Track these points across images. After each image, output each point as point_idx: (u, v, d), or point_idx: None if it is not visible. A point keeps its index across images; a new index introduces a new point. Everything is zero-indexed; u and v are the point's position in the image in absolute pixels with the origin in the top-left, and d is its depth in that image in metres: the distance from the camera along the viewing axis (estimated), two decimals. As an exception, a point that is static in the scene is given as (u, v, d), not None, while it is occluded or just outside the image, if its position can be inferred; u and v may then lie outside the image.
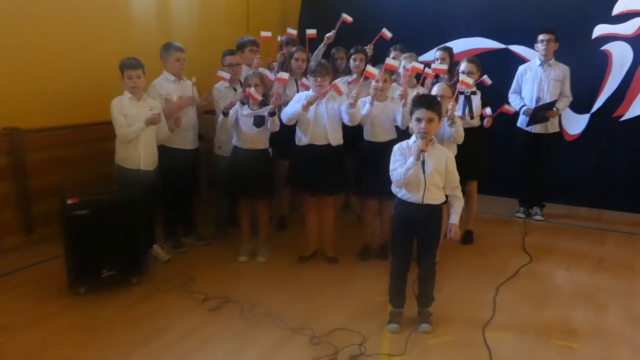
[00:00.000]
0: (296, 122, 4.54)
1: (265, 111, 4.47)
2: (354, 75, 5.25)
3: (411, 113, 3.52)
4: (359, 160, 4.73)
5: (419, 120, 3.44)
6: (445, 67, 4.72)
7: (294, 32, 5.76)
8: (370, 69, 4.31)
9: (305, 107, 4.36)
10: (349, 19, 5.81)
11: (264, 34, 5.46)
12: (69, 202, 4.01)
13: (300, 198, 5.10)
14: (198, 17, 6.61)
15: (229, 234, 5.32)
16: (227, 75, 4.84)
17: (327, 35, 5.85)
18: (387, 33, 5.76)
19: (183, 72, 4.86)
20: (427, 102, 3.49)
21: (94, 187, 4.34)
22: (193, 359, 3.33)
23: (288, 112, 4.48)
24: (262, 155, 4.65)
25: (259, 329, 3.67)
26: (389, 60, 4.49)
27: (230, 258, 4.84)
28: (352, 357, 3.33)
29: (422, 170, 3.37)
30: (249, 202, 4.81)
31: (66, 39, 5.08)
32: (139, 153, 4.44)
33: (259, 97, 4.43)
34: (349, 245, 5.03)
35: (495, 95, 5.38)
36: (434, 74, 4.59)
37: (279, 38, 5.70)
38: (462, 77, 4.48)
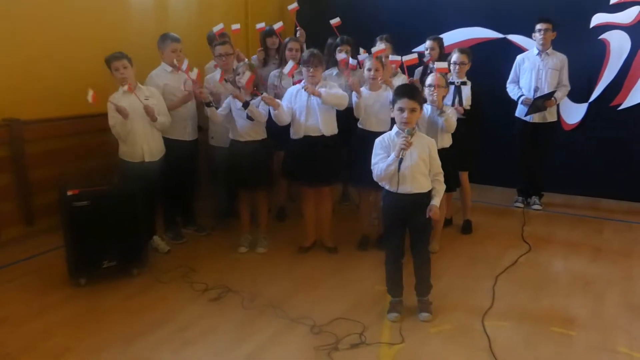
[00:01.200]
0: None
1: (258, 102, 4.45)
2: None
3: (393, 103, 3.53)
4: (352, 149, 4.73)
5: (401, 110, 3.46)
6: (445, 65, 4.71)
7: (280, 24, 5.75)
8: (339, 55, 4.34)
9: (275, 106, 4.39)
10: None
11: (234, 27, 5.49)
12: (69, 193, 4.01)
13: (298, 189, 5.11)
14: (196, 9, 6.58)
15: (228, 225, 5.33)
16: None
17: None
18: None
19: (180, 63, 4.85)
20: (409, 92, 3.50)
21: (94, 179, 4.35)
22: (194, 349, 3.35)
23: (272, 115, 4.48)
24: (260, 146, 4.64)
25: (259, 319, 3.69)
26: (375, 47, 4.52)
27: (230, 249, 4.86)
28: (352, 346, 3.35)
29: (399, 168, 3.42)
30: (249, 193, 4.81)
31: (65, 30, 5.06)
32: (140, 146, 4.45)
33: (247, 97, 4.40)
34: (348, 236, 5.05)
35: (493, 85, 5.38)
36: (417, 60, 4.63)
37: (257, 26, 5.69)
38: (437, 64, 4.50)
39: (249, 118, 4.45)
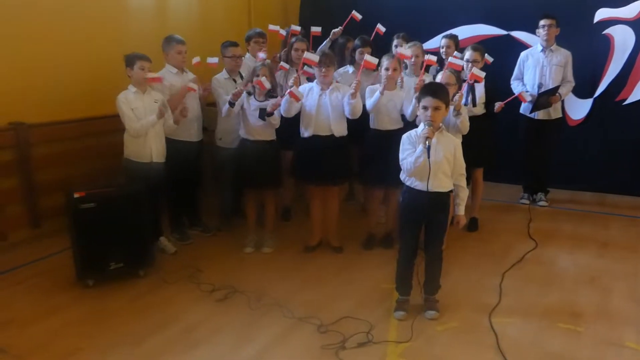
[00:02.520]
0: (299, 114, 4.55)
1: (269, 104, 4.47)
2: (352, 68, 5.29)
3: (418, 101, 3.53)
4: (364, 148, 4.74)
5: (425, 108, 3.44)
6: (461, 63, 4.70)
7: (298, 28, 5.75)
8: (368, 58, 4.33)
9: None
10: (358, 16, 5.81)
11: (272, 27, 5.50)
12: (76, 195, 4.02)
13: (305, 188, 5.12)
14: (199, 11, 6.60)
15: (234, 225, 5.34)
16: (215, 60, 4.92)
17: (334, 30, 5.85)
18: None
19: (184, 64, 4.88)
20: (433, 90, 3.48)
21: (100, 180, 4.36)
22: (201, 349, 3.36)
23: (282, 104, 4.48)
24: (269, 147, 4.65)
25: (266, 319, 3.70)
26: (401, 50, 4.50)
27: (236, 249, 4.86)
28: (359, 345, 3.36)
29: (428, 155, 3.37)
30: (256, 193, 4.82)
31: (69, 33, 5.08)
32: (150, 146, 4.46)
33: (268, 85, 4.42)
34: (353, 235, 5.05)
35: (498, 81, 5.36)
36: (435, 61, 4.62)
37: (280, 31, 5.70)
38: (474, 71, 4.48)
39: (262, 118, 4.46)
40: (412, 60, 4.84)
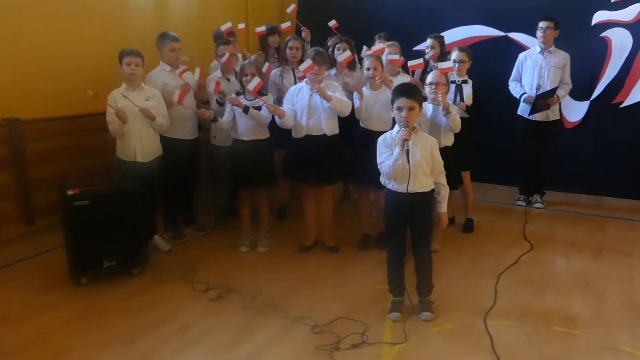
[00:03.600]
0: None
1: (257, 103, 4.44)
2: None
3: (392, 102, 3.53)
4: (353, 147, 4.72)
5: (400, 109, 3.45)
6: (451, 65, 4.71)
7: (288, 25, 5.73)
8: (340, 56, 4.36)
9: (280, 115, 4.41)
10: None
11: (240, 26, 5.54)
12: (70, 192, 4.00)
13: (299, 188, 5.10)
14: (197, 8, 6.58)
15: (229, 224, 5.31)
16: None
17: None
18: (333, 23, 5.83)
19: (179, 62, 4.83)
20: (407, 91, 3.50)
21: (94, 178, 4.34)
22: (195, 349, 3.34)
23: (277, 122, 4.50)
24: (263, 145, 4.63)
25: (260, 319, 3.68)
26: (391, 56, 4.51)
27: (231, 248, 4.84)
28: (354, 346, 3.34)
29: (407, 159, 3.37)
30: (250, 192, 4.80)
31: (65, 30, 5.06)
32: (133, 146, 4.43)
33: (255, 84, 4.37)
34: (348, 235, 5.04)
35: (495, 83, 5.36)
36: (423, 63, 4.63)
37: (257, 30, 5.67)
38: (440, 64, 4.49)
39: (245, 112, 4.44)
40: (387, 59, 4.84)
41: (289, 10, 6.12)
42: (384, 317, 3.69)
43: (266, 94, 4.55)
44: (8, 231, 4.86)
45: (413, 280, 3.78)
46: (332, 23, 5.76)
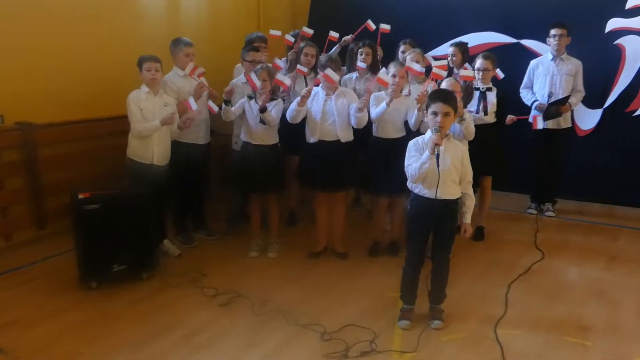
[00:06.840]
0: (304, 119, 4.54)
1: (272, 107, 4.45)
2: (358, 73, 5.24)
3: (427, 107, 3.50)
4: (367, 156, 4.71)
5: (435, 114, 3.42)
6: (471, 74, 4.70)
7: (310, 31, 5.72)
8: (382, 75, 4.31)
9: (301, 103, 4.36)
10: (372, 26, 5.79)
11: (273, 32, 5.47)
12: (81, 196, 4.02)
13: (310, 194, 5.09)
14: (208, 13, 6.60)
15: (239, 229, 5.31)
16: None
17: (345, 38, 5.84)
18: (371, 24, 5.79)
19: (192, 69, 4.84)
20: (443, 96, 3.47)
21: (105, 182, 4.35)
22: (203, 354, 3.34)
23: (289, 110, 4.48)
24: (271, 151, 4.63)
25: (269, 325, 3.67)
26: (411, 64, 4.47)
27: (240, 253, 4.84)
28: (363, 354, 3.32)
29: (437, 163, 3.34)
30: (260, 197, 4.80)
31: (77, 35, 5.09)
32: (152, 149, 4.44)
33: (258, 83, 4.38)
34: (359, 242, 5.02)
35: (508, 90, 5.32)
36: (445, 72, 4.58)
37: (286, 36, 5.66)
38: (462, 72, 4.46)
39: (262, 122, 4.44)
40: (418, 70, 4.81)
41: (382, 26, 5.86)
42: (394, 325, 3.67)
43: (277, 99, 4.55)
44: (20, 235, 4.89)
45: (422, 289, 3.76)
46: (385, 27, 5.70)
